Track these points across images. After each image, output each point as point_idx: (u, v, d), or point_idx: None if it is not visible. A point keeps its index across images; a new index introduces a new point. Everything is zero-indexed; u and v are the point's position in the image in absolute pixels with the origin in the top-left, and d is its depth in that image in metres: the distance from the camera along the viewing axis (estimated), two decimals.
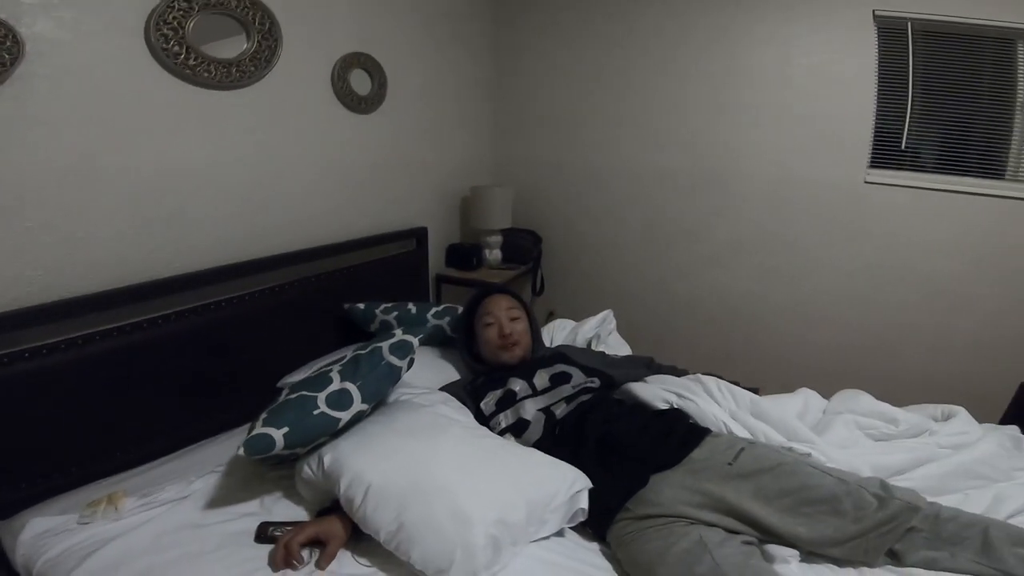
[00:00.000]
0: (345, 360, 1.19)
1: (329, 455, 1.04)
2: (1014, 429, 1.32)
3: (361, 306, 1.70)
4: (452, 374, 1.56)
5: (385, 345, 1.20)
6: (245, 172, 1.54)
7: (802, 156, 2.11)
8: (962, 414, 1.30)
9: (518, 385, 1.34)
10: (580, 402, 1.27)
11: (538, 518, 1.00)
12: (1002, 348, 1.96)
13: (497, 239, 2.37)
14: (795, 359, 2.26)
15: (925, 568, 0.92)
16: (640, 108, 2.31)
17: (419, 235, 2.12)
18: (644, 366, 1.54)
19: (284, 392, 1.17)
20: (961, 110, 1.96)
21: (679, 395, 1.28)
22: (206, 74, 1.37)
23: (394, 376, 1.19)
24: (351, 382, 1.12)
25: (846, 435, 1.22)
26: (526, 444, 1.21)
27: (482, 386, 1.38)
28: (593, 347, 1.71)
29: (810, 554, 0.97)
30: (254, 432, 1.01)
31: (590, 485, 1.05)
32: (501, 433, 1.26)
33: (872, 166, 2.05)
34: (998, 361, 1.94)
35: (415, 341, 1.23)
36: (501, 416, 1.28)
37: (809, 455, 1.09)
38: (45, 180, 1.15)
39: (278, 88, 1.56)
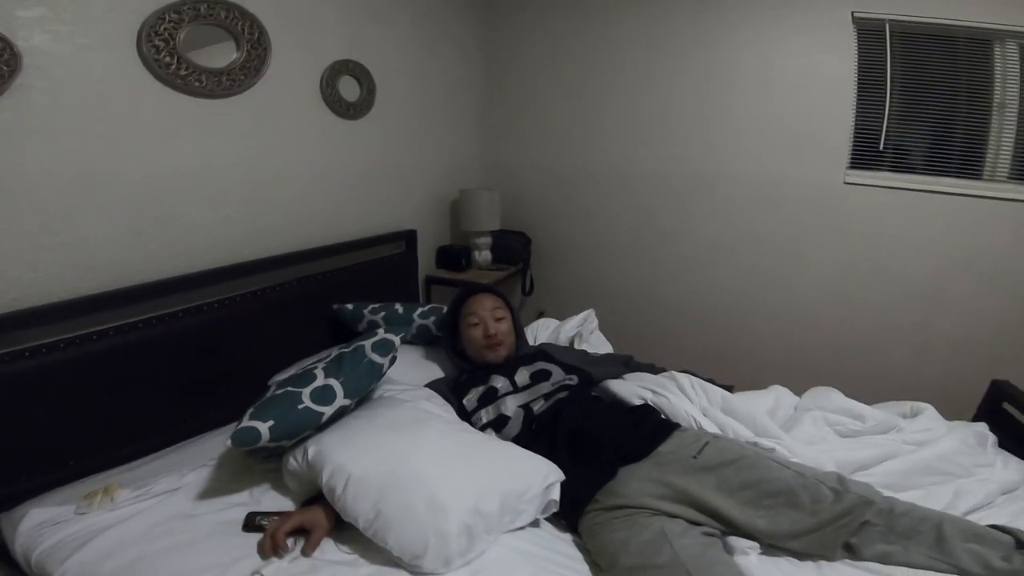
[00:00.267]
0: (330, 358, 1.24)
1: (313, 447, 1.09)
2: (982, 426, 1.36)
3: (350, 306, 1.75)
4: (437, 372, 1.61)
5: (368, 343, 1.25)
6: (237, 177, 1.59)
7: (783, 157, 2.15)
8: (929, 411, 1.35)
9: (499, 382, 1.38)
10: (558, 399, 1.31)
11: (513, 509, 1.04)
12: (979, 346, 2.00)
13: (486, 241, 2.42)
14: (776, 357, 2.30)
15: (880, 562, 0.95)
16: (627, 111, 2.36)
17: (408, 237, 2.17)
18: (622, 364, 1.58)
19: (271, 388, 1.22)
20: (938, 110, 2.00)
21: (653, 391, 1.33)
22: (197, 83, 1.41)
23: (376, 373, 1.24)
24: (334, 378, 1.17)
25: (814, 431, 1.26)
26: (506, 439, 1.25)
27: (465, 383, 1.43)
28: (575, 345, 1.76)
29: (771, 547, 1.00)
30: (241, 425, 1.06)
31: (563, 478, 1.10)
32: (482, 428, 1.30)
33: (852, 167, 2.09)
34: (975, 359, 1.98)
35: (397, 340, 1.28)
36: (483, 412, 1.33)
37: (773, 450, 1.13)
38: (43, 187, 1.20)
39: (268, 96, 1.61)
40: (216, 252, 1.54)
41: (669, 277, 2.44)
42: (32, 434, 1.16)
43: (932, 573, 0.92)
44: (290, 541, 1.00)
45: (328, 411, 1.12)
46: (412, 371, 1.55)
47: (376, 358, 1.23)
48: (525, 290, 2.59)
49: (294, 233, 1.76)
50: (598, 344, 1.79)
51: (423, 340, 1.73)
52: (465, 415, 1.35)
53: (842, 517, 0.96)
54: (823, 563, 0.97)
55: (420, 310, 1.74)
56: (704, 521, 1.00)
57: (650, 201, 2.40)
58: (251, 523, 1.05)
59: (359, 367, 1.21)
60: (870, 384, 2.11)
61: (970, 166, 1.99)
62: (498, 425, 1.30)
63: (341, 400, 1.15)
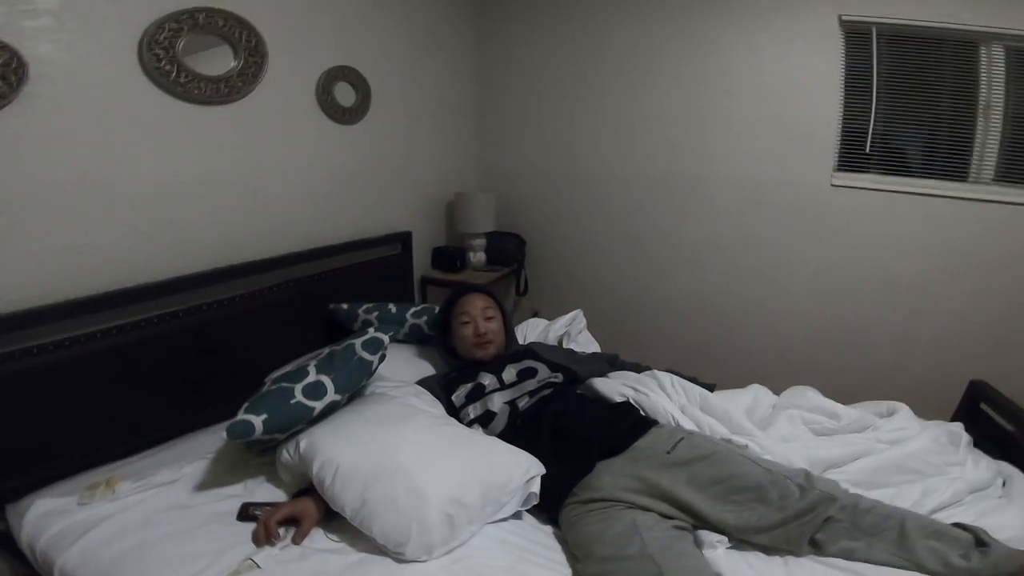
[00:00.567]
0: (322, 355, 1.30)
1: (305, 440, 1.14)
2: (957, 426, 1.39)
3: (345, 306, 1.80)
4: (428, 369, 1.65)
5: (358, 342, 1.30)
6: (235, 181, 1.63)
7: (771, 160, 2.18)
8: (904, 411, 1.37)
9: (487, 379, 1.43)
10: (542, 396, 1.36)
11: (495, 500, 1.08)
12: (961, 347, 2.03)
13: (481, 242, 2.46)
14: (763, 355, 2.34)
15: (844, 557, 0.97)
16: (619, 115, 2.40)
17: (404, 239, 2.21)
18: (608, 362, 1.62)
19: (266, 384, 1.27)
20: (925, 113, 2.03)
21: (635, 389, 1.37)
22: (196, 91, 1.47)
23: (366, 370, 1.28)
24: (326, 375, 1.22)
25: (789, 429, 1.29)
26: (492, 434, 1.30)
27: (455, 380, 1.47)
28: (564, 344, 1.80)
29: (741, 541, 1.03)
30: (236, 418, 1.11)
31: (544, 471, 1.14)
32: (470, 424, 1.35)
33: (838, 169, 2.13)
34: (957, 359, 2.01)
35: (386, 339, 1.33)
36: (470, 408, 1.38)
37: (746, 447, 1.17)
38: (49, 192, 1.25)
39: (265, 102, 1.66)
40: (215, 254, 1.59)
41: (660, 278, 2.48)
42: (38, 428, 1.21)
43: (893, 569, 0.94)
44: (281, 530, 1.05)
45: (319, 406, 1.17)
46: (404, 368, 1.60)
47: (366, 356, 1.28)
48: (519, 291, 2.64)
49: (291, 235, 1.81)
50: (585, 343, 1.84)
51: (415, 339, 1.77)
52: (454, 411, 1.39)
53: (807, 513, 0.98)
54: (790, 558, 1.00)
55: (413, 310, 1.78)
56: (675, 515, 1.04)
57: (642, 203, 2.44)
58: (245, 513, 1.11)
59: (349, 364, 1.26)
60: (854, 382, 2.15)
61: (956, 168, 2.02)
62: (485, 421, 1.34)
63: (332, 396, 1.20)
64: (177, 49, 1.41)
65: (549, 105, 2.51)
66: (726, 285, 2.36)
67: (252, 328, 1.62)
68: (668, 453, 1.11)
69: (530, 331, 1.86)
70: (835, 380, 2.10)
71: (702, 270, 2.39)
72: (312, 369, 1.23)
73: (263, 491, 1.20)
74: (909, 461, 1.19)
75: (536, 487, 1.13)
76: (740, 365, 2.35)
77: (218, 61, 1.52)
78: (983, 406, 1.49)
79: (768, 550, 1.02)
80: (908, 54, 2.00)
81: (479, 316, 1.57)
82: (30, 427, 1.20)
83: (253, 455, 1.28)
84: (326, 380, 1.21)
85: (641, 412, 1.31)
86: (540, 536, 1.11)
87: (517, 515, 1.14)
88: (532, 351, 1.56)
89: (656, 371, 1.45)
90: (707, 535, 1.02)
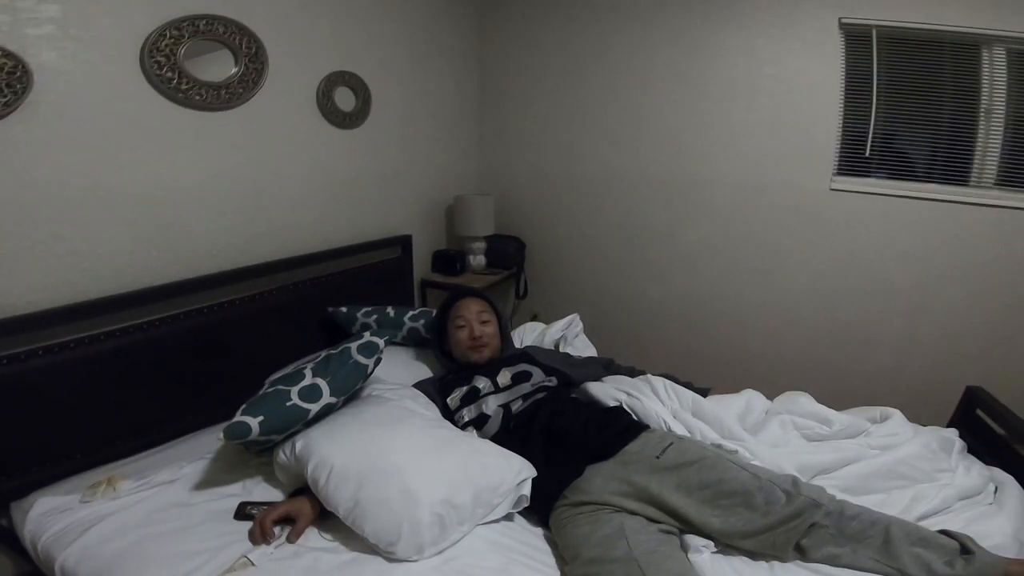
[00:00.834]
0: (318, 359, 1.32)
1: (301, 442, 1.17)
2: (950, 431, 1.39)
3: (344, 309, 1.82)
4: (426, 372, 1.67)
5: (354, 346, 1.32)
6: (236, 186, 1.66)
7: (771, 163, 2.18)
8: (896, 416, 1.37)
9: (482, 382, 1.44)
10: (536, 399, 1.37)
11: (486, 502, 1.10)
12: (960, 352, 2.02)
13: (481, 245, 2.48)
14: (760, 359, 2.34)
15: (828, 564, 0.98)
16: (619, 118, 2.40)
17: (404, 242, 2.23)
18: (603, 367, 1.63)
19: (265, 387, 1.29)
20: (925, 116, 2.01)
21: (628, 394, 1.38)
22: (198, 97, 1.49)
23: (361, 373, 1.31)
24: (321, 378, 1.24)
25: (780, 434, 1.30)
26: (486, 437, 1.32)
27: (450, 383, 1.49)
28: (560, 348, 1.82)
29: (727, 546, 1.04)
30: (233, 420, 1.14)
31: (535, 474, 1.16)
32: (464, 427, 1.37)
33: (838, 173, 2.12)
34: (955, 365, 2.00)
35: (381, 342, 1.35)
36: (465, 411, 1.39)
37: (736, 452, 1.18)
38: (54, 198, 1.28)
39: (266, 108, 1.68)
40: (216, 258, 1.62)
41: (660, 280, 2.48)
42: (43, 428, 1.24)
43: None
44: (277, 529, 1.07)
45: (314, 408, 1.20)
46: (401, 371, 1.62)
47: (361, 359, 1.30)
48: (519, 294, 2.65)
49: (292, 239, 1.83)
50: (582, 347, 1.85)
51: (413, 342, 1.79)
52: (449, 414, 1.41)
53: (792, 519, 0.99)
54: (775, 563, 1.01)
55: (411, 313, 1.80)
56: (662, 519, 1.05)
57: (642, 206, 2.45)
58: (242, 512, 1.13)
59: (345, 368, 1.28)
60: (852, 386, 2.15)
61: (957, 172, 2.01)
62: (479, 423, 1.36)
63: (327, 398, 1.22)
64: (178, 56, 1.43)
65: (549, 108, 2.52)
66: (725, 288, 2.36)
67: (253, 331, 1.64)
68: (657, 458, 1.12)
69: (527, 335, 1.87)
70: (833, 383, 2.10)
71: (701, 273, 2.39)
72: (308, 372, 1.25)
73: (261, 491, 1.22)
74: (899, 467, 1.20)
75: (527, 489, 1.15)
76: (739, 368, 2.35)
77: (219, 67, 1.55)
78: (979, 412, 1.48)
79: (754, 555, 1.02)
80: (909, 57, 1.99)
81: (474, 320, 1.58)
82: (35, 427, 1.23)
83: (252, 455, 1.30)
84: (321, 383, 1.23)
85: (633, 416, 1.32)
86: (531, 538, 1.13)
87: (509, 517, 1.16)
88: (527, 355, 1.58)
89: (650, 376, 1.46)
90: (693, 539, 1.03)
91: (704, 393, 1.47)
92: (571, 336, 1.85)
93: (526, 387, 1.42)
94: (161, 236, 1.49)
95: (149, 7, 1.38)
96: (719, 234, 2.33)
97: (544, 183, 2.61)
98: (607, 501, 1.06)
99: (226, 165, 1.63)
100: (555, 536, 1.10)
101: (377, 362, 1.35)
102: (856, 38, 2.02)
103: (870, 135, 2.05)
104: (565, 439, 1.21)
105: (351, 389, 1.29)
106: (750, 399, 1.42)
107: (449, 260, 2.42)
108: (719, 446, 1.20)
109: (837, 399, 1.51)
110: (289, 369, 1.41)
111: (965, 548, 0.94)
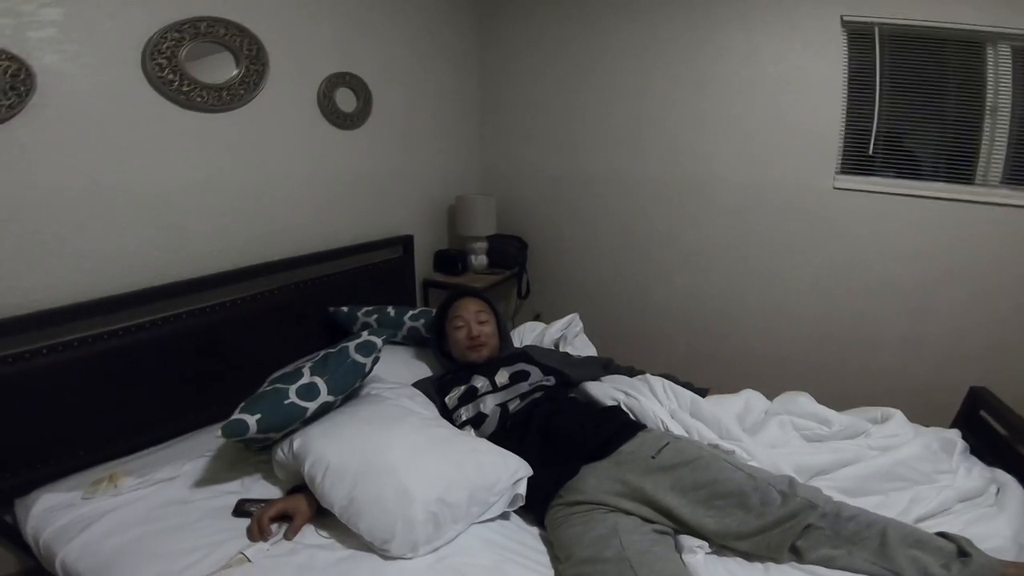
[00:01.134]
0: (317, 358, 1.33)
1: (299, 439, 1.18)
2: (952, 432, 1.38)
3: (345, 309, 1.83)
4: (425, 371, 1.68)
5: (351, 345, 1.33)
6: (238, 187, 1.67)
7: (773, 162, 2.17)
8: (897, 416, 1.36)
9: (480, 382, 1.45)
10: (533, 399, 1.37)
11: (482, 501, 1.10)
12: (964, 352, 2.00)
13: (482, 245, 2.48)
14: (763, 359, 2.32)
15: (823, 565, 0.97)
16: (620, 118, 2.40)
17: (405, 242, 2.24)
18: (602, 367, 1.63)
19: (264, 385, 1.31)
20: (929, 114, 1.99)
21: (626, 393, 1.38)
22: (199, 99, 1.51)
23: (358, 372, 1.31)
24: (319, 376, 1.25)
25: (779, 435, 1.29)
26: (483, 436, 1.32)
27: (449, 382, 1.50)
28: (560, 348, 1.82)
29: (722, 547, 1.03)
30: (231, 418, 1.15)
31: (531, 473, 1.16)
32: (462, 426, 1.37)
33: (841, 171, 2.10)
34: (960, 365, 1.98)
35: (379, 342, 1.36)
36: (463, 410, 1.40)
37: (733, 452, 1.17)
38: (56, 199, 1.30)
39: (267, 109, 1.70)
40: (218, 258, 1.63)
41: (662, 280, 2.47)
42: (46, 426, 1.26)
43: None
44: (274, 526, 1.08)
45: (312, 406, 1.20)
46: (401, 370, 1.63)
47: (359, 358, 1.31)
48: (521, 293, 2.65)
49: (293, 239, 1.85)
50: (582, 347, 1.84)
51: (413, 341, 1.80)
52: (447, 413, 1.41)
53: (787, 520, 0.98)
54: (771, 565, 1.00)
55: (411, 313, 1.81)
56: (657, 519, 1.04)
57: (644, 205, 2.44)
58: (240, 509, 1.14)
59: (343, 366, 1.29)
60: (856, 385, 2.14)
61: (961, 170, 1.98)
62: (477, 422, 1.36)
63: (325, 396, 1.23)
64: (180, 58, 1.45)
65: (550, 108, 2.52)
66: (728, 287, 2.35)
67: (254, 330, 1.65)
68: (653, 458, 1.12)
69: (526, 334, 1.88)
70: (836, 383, 2.09)
71: (704, 272, 2.38)
72: (306, 371, 1.26)
73: (259, 488, 1.23)
74: (898, 468, 1.18)
75: (523, 488, 1.15)
76: (741, 367, 2.34)
77: (220, 69, 1.56)
78: (982, 413, 1.47)
79: (748, 556, 1.02)
80: (912, 54, 1.97)
81: (472, 319, 1.59)
82: (38, 425, 1.25)
83: (252, 453, 1.32)
84: (319, 381, 1.24)
85: (631, 416, 1.31)
86: (526, 537, 1.13)
87: (504, 516, 1.16)
88: (526, 354, 1.58)
89: (649, 375, 1.46)
90: (688, 540, 1.02)
91: (703, 393, 1.46)
92: (571, 336, 1.85)
93: (524, 386, 1.42)
94: (163, 236, 1.51)
95: (150, 10, 1.39)
96: (721, 233, 2.31)
97: (546, 183, 2.61)
98: (602, 501, 1.06)
99: (228, 166, 1.64)
100: (550, 535, 1.10)
101: (375, 361, 1.35)
102: (859, 36, 2.01)
103: (873, 133, 2.04)
104: (562, 438, 1.21)
105: (349, 388, 1.30)
106: (749, 399, 1.41)
107: (451, 260, 2.43)
108: (716, 446, 1.19)
109: (839, 399, 1.50)
110: (288, 368, 1.42)
111: (962, 550, 0.93)
